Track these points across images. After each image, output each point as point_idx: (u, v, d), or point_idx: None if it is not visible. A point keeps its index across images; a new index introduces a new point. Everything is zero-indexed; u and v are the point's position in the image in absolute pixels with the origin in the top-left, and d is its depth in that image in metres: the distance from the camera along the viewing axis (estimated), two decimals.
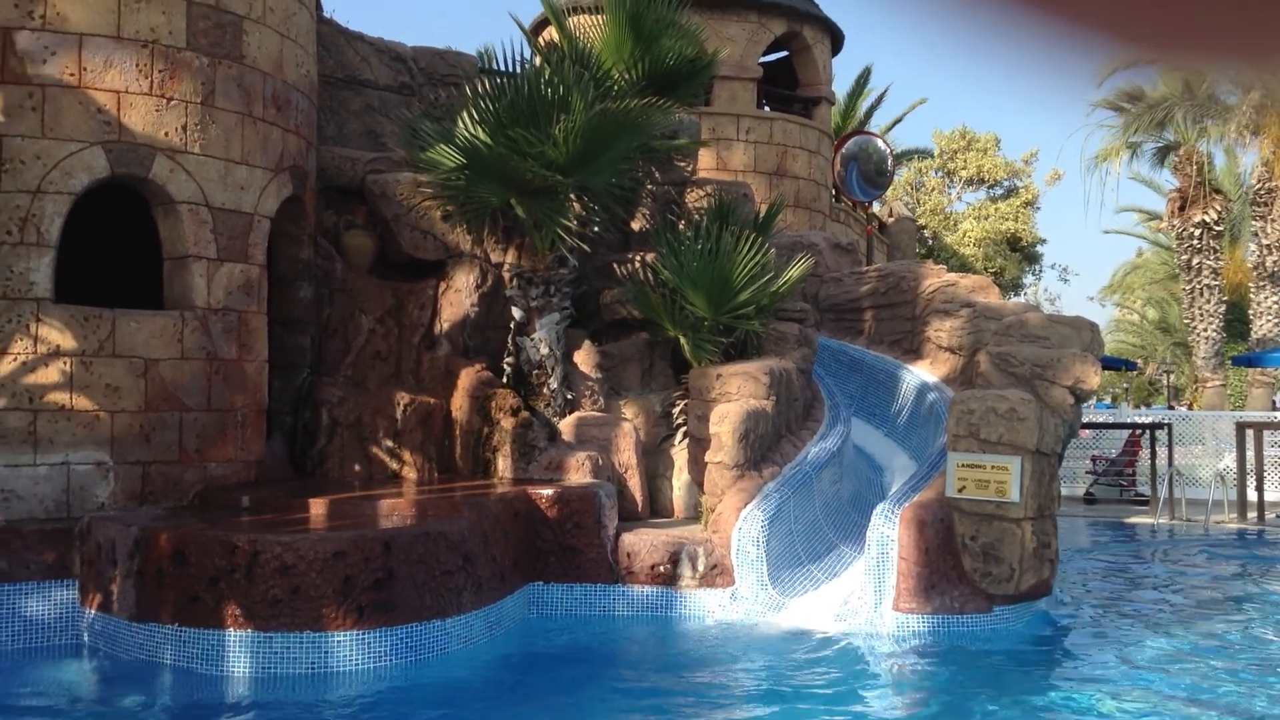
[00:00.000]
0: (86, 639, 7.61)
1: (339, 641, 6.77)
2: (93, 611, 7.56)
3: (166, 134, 8.45)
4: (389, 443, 9.85)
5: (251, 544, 6.84)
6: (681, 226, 11.51)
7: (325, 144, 11.09)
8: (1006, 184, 40.59)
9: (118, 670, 7.08)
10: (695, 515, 9.65)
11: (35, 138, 8.00)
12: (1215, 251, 26.60)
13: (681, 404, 10.24)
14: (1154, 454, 16.48)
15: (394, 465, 9.85)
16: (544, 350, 10.20)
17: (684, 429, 10.10)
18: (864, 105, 28.71)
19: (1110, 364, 20.93)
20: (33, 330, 7.97)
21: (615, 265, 11.38)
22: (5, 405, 7.88)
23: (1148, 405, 44.47)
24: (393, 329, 10.53)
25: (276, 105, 9.32)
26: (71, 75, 8.09)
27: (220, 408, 8.84)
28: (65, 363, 8.06)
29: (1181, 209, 26.69)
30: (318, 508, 8.15)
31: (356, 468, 9.82)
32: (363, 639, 6.81)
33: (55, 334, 8.04)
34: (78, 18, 8.11)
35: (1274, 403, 27.42)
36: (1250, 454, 15.66)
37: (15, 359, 7.92)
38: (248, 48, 9.00)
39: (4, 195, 7.93)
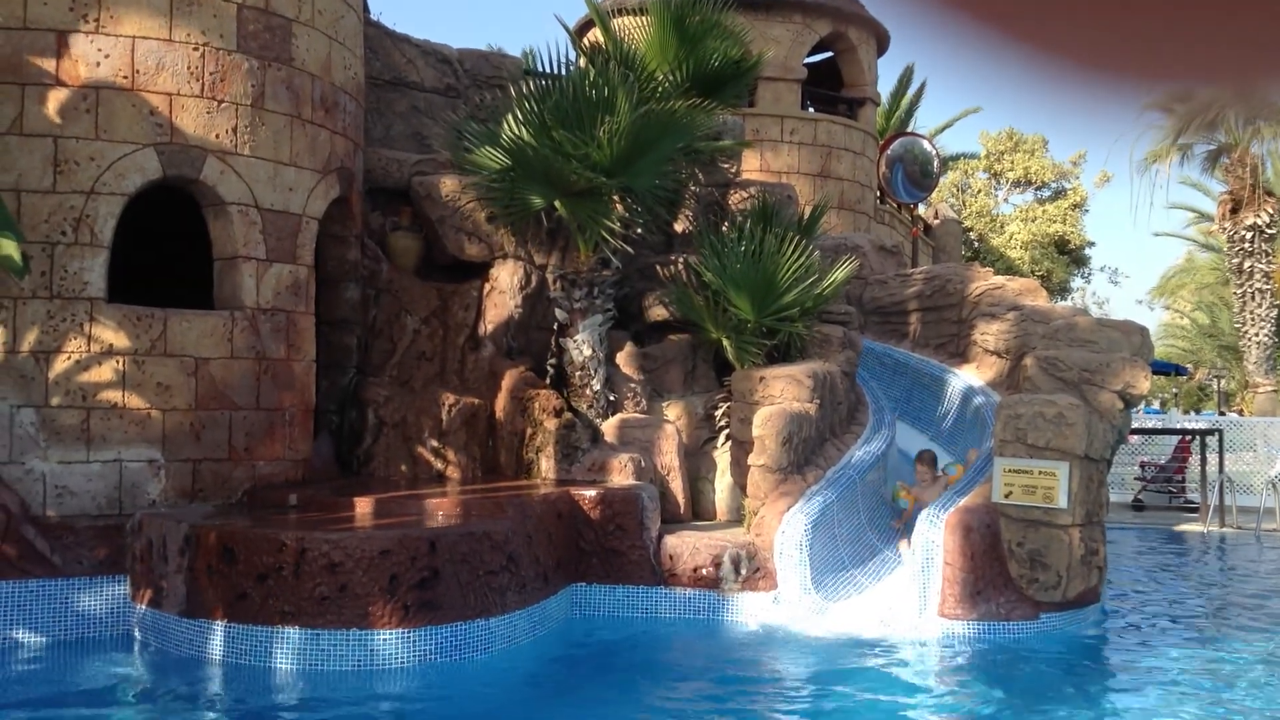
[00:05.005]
0: (137, 633, 7.73)
1: (384, 639, 6.82)
2: (143, 606, 7.68)
3: (217, 136, 8.56)
4: (434, 442, 9.91)
5: (299, 542, 6.91)
6: (725, 228, 11.49)
7: (372, 146, 11.18)
8: (1054, 186, 40.12)
9: (167, 665, 7.18)
10: (738, 518, 9.62)
11: (89, 139, 8.13)
12: (1267, 255, 26.16)
13: (724, 406, 10.22)
14: (1204, 460, 16.23)
15: (438, 465, 9.92)
16: (587, 352, 10.22)
17: (726, 431, 10.08)
18: (905, 104, 28.52)
19: (1160, 369, 20.67)
20: (86, 329, 8.10)
21: (658, 267, 11.38)
22: (59, 403, 8.02)
23: (1198, 411, 43.79)
24: (438, 330, 10.60)
25: (324, 107, 9.41)
26: (124, 78, 8.22)
27: (269, 407, 8.94)
28: (118, 361, 8.19)
29: (1233, 211, 26.29)
30: (364, 506, 8.22)
31: (402, 467, 9.89)
32: (408, 637, 6.86)
33: (109, 333, 8.16)
34: (130, 21, 8.23)
35: None
36: None
37: (69, 358, 8.05)
38: (296, 50, 9.09)
39: (59, 196, 8.07)
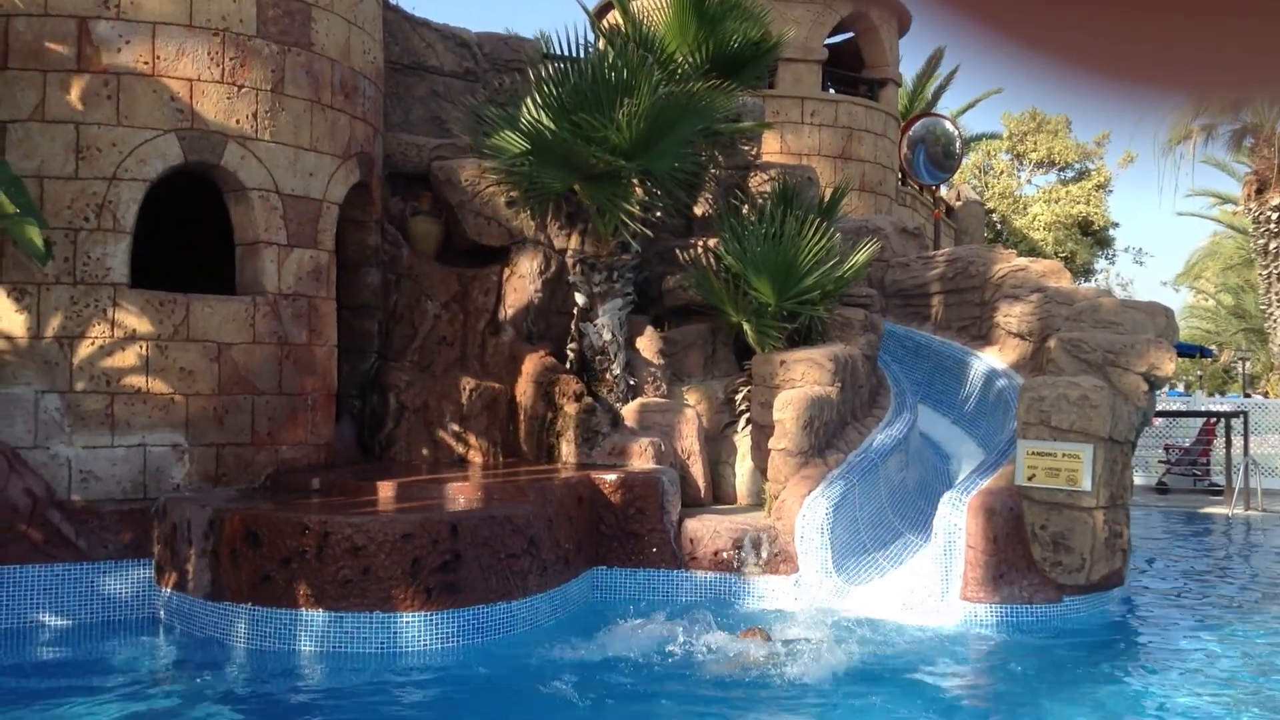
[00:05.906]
0: (162, 616, 7.80)
1: (407, 622, 6.85)
2: (168, 590, 7.74)
3: (238, 121, 8.58)
4: (455, 427, 9.93)
5: (322, 525, 6.95)
6: (745, 211, 11.45)
7: (391, 130, 11.19)
8: (1078, 166, 39.75)
9: (192, 647, 7.24)
10: (758, 502, 9.61)
11: (111, 125, 8.17)
12: None
13: (744, 390, 10.20)
14: (1229, 443, 16.11)
15: (460, 449, 9.94)
16: (607, 336, 10.22)
17: (747, 415, 10.06)
18: (932, 88, 28.26)
19: (1184, 350, 20.50)
20: (110, 315, 8.15)
21: (678, 251, 11.35)
22: (84, 388, 8.08)
23: (1222, 393, 43.44)
24: (458, 314, 10.62)
25: (344, 92, 9.42)
26: (145, 64, 8.24)
27: (291, 391, 8.98)
28: (141, 346, 8.24)
29: (1259, 192, 25.97)
30: (386, 490, 8.25)
31: (423, 451, 9.92)
32: (430, 620, 6.89)
33: (132, 318, 8.21)
34: (151, 7, 8.25)
35: None
36: None
37: (93, 343, 8.11)
38: (316, 35, 9.09)
39: (81, 182, 8.11)
